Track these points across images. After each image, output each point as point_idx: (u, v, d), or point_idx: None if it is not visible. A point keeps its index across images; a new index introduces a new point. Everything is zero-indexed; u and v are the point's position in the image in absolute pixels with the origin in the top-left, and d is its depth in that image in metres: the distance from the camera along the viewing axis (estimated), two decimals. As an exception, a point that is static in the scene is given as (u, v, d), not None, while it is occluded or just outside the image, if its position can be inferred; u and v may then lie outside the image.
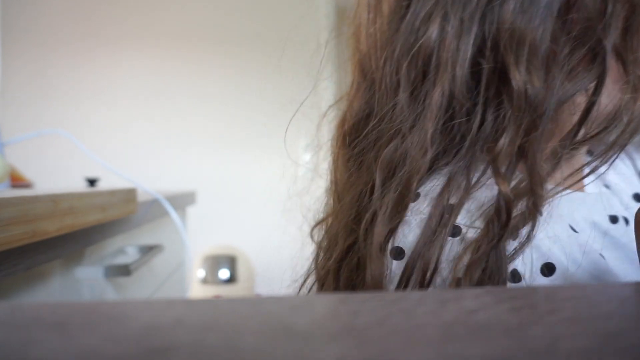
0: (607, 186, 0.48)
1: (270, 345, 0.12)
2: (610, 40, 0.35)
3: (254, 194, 2.47)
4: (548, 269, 0.33)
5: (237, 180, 2.52)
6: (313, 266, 0.43)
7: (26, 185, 0.96)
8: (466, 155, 0.36)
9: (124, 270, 0.66)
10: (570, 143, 0.36)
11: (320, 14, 2.44)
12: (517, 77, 0.34)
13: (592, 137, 0.37)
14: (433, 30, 0.37)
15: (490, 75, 0.36)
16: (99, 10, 2.52)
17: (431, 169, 0.37)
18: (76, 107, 2.51)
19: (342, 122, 0.44)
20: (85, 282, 0.66)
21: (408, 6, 0.39)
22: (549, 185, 0.35)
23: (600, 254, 0.37)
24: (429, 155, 0.36)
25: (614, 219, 0.41)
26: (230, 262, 2.34)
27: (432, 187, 0.36)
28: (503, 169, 0.35)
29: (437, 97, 0.36)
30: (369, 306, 0.16)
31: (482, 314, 0.14)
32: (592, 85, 0.36)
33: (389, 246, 0.35)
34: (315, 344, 0.12)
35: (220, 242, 2.43)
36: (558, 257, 0.34)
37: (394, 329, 0.13)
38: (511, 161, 0.35)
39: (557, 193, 0.35)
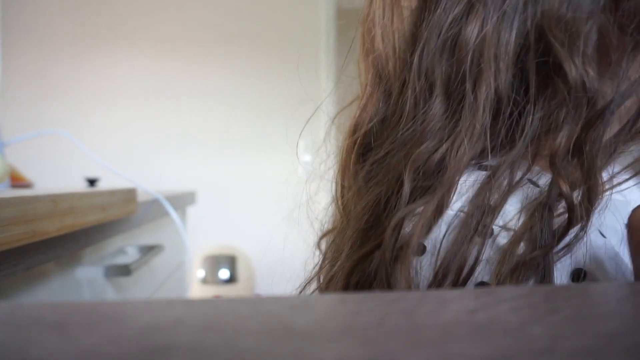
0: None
1: (270, 345, 0.12)
2: None
3: (254, 194, 2.47)
4: (578, 274, 0.32)
5: (237, 180, 2.52)
6: (313, 273, 0.42)
7: (26, 185, 0.96)
8: (510, 152, 0.34)
9: (124, 270, 0.66)
10: (629, 136, 0.34)
11: (320, 14, 2.44)
12: (573, 69, 0.32)
13: None
14: (472, 25, 0.35)
15: (539, 69, 0.34)
16: (99, 11, 2.52)
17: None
18: (76, 107, 2.51)
19: (354, 128, 0.41)
20: (85, 282, 0.66)
21: (437, 1, 0.36)
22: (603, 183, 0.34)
23: (627, 263, 0.35)
24: (474, 157, 0.34)
25: None
26: (230, 262, 2.34)
27: (463, 184, 0.34)
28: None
29: (482, 95, 0.34)
30: (368, 306, 0.16)
31: (482, 314, 0.14)
32: None
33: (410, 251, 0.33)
34: (315, 344, 0.12)
35: (220, 242, 2.43)
36: (588, 263, 0.32)
37: (394, 329, 0.13)
38: (566, 159, 0.33)
39: (610, 190, 0.33)
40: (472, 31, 0.35)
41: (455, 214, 0.33)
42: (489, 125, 0.34)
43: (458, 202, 0.33)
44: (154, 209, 0.90)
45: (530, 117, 0.34)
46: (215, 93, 2.55)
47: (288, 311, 0.15)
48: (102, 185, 1.20)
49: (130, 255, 0.84)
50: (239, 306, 0.16)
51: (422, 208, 0.33)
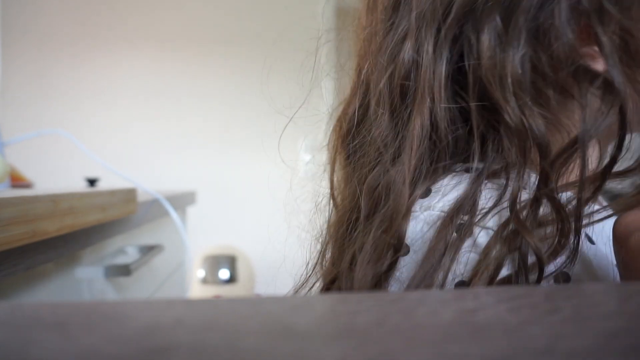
0: None
1: (270, 345, 0.12)
2: (615, 69, 0.32)
3: (254, 194, 2.47)
4: (564, 278, 0.32)
5: (237, 180, 2.52)
6: (315, 269, 0.42)
7: (26, 185, 0.96)
8: (482, 161, 0.34)
9: (124, 270, 0.66)
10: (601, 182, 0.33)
11: (320, 14, 2.44)
12: (509, 111, 0.32)
13: (628, 171, 0.34)
14: (407, 51, 0.35)
15: (479, 112, 0.34)
16: (99, 11, 2.52)
17: (441, 167, 0.35)
18: (76, 107, 2.51)
19: (339, 125, 0.42)
20: (85, 282, 0.66)
21: (391, 17, 0.37)
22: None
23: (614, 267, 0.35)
24: (415, 193, 0.33)
25: None
26: (230, 262, 2.34)
27: (447, 185, 0.34)
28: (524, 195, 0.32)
29: (417, 129, 0.34)
30: (368, 306, 0.16)
31: (482, 314, 0.14)
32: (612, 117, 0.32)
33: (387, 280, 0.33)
34: (315, 344, 0.12)
35: (220, 242, 2.43)
36: (577, 269, 0.32)
37: (394, 329, 0.13)
38: (532, 208, 0.31)
39: (589, 224, 0.32)
40: (407, 56, 0.35)
41: (438, 214, 0.33)
42: (426, 155, 0.34)
43: (440, 203, 0.33)
44: (154, 209, 0.91)
45: (482, 149, 0.34)
46: (216, 93, 2.55)
47: (288, 311, 0.15)
48: (102, 185, 1.20)
49: (130, 255, 0.84)
50: (239, 306, 0.16)
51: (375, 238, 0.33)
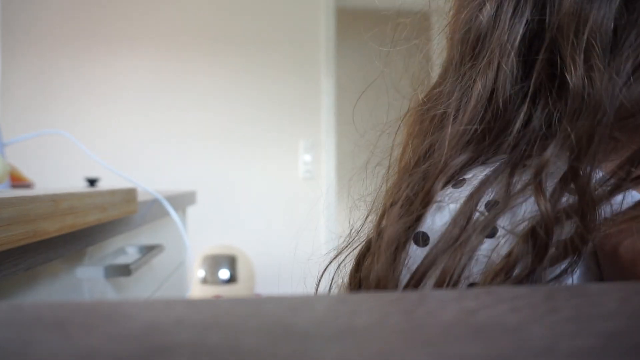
0: None
1: (270, 345, 0.12)
2: None
3: (254, 194, 2.47)
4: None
5: (237, 180, 2.52)
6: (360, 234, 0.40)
7: (26, 185, 0.96)
8: (512, 152, 0.32)
9: (124, 270, 0.66)
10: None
11: (320, 14, 2.44)
12: (574, 72, 0.29)
13: None
14: (486, 11, 0.34)
15: (543, 68, 0.32)
16: (99, 11, 2.52)
17: (481, 155, 0.33)
18: (76, 107, 2.51)
19: (420, 97, 0.40)
20: (85, 282, 0.66)
21: None
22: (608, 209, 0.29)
23: None
24: (463, 156, 0.32)
25: None
26: (230, 262, 2.34)
27: (475, 178, 0.32)
28: (549, 183, 0.29)
29: (478, 87, 0.33)
30: (368, 306, 0.16)
31: (482, 314, 0.14)
32: None
33: (405, 245, 0.31)
34: (315, 344, 0.12)
35: (220, 242, 2.43)
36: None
37: (394, 329, 0.13)
38: (560, 181, 0.29)
39: (617, 224, 0.28)
40: (484, 17, 0.34)
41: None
42: (480, 119, 0.33)
43: (462, 194, 0.31)
44: (154, 209, 0.90)
45: (528, 118, 0.32)
46: (216, 93, 2.55)
47: (288, 311, 0.15)
48: (102, 185, 1.20)
49: (131, 255, 0.84)
50: (239, 306, 0.16)
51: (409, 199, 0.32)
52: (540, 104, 0.32)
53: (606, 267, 0.28)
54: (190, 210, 1.53)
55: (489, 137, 0.33)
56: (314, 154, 2.35)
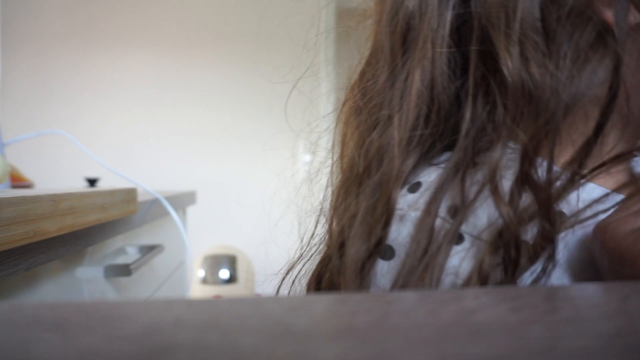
0: None
1: (270, 345, 0.12)
2: (622, 13, 0.27)
3: (254, 194, 2.47)
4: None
5: (237, 180, 2.52)
6: (310, 245, 0.38)
7: (26, 185, 0.96)
8: (460, 152, 0.29)
9: (124, 270, 0.66)
10: (608, 159, 0.28)
11: (321, 14, 2.43)
12: (511, 66, 0.27)
13: (627, 154, 0.29)
14: (410, 2, 0.32)
15: (479, 60, 0.30)
16: (99, 10, 2.52)
17: (434, 152, 0.31)
18: (76, 107, 2.51)
19: (352, 88, 0.38)
20: (85, 282, 0.66)
21: None
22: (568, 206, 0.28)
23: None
24: (411, 159, 0.30)
25: None
26: (230, 262, 2.34)
27: (428, 181, 0.30)
28: (505, 183, 0.27)
29: (417, 81, 0.30)
30: (368, 306, 0.16)
31: (482, 314, 0.14)
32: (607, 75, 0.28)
33: (371, 260, 0.29)
34: (315, 344, 0.12)
35: (220, 242, 2.43)
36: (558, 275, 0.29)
37: (393, 329, 0.13)
38: (515, 184, 0.27)
39: (579, 222, 0.28)
40: (411, 4, 0.32)
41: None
42: (424, 110, 0.31)
43: (424, 197, 0.29)
44: (154, 209, 0.90)
45: (472, 115, 0.29)
46: (216, 92, 2.55)
47: (288, 311, 0.15)
48: (102, 185, 1.20)
49: (131, 255, 0.84)
50: (239, 306, 0.16)
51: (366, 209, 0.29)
52: (480, 100, 0.30)
53: (604, 259, 0.27)
54: (190, 210, 1.53)
55: (435, 137, 0.31)
56: (314, 154, 2.33)
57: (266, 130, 2.54)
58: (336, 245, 0.30)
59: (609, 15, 0.29)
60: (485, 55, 0.30)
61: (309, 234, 0.39)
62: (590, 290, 0.18)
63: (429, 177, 0.31)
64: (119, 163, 2.16)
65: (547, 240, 0.27)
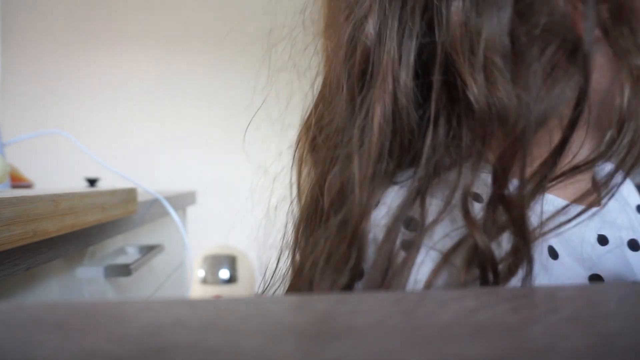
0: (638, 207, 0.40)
1: (270, 345, 0.12)
2: (590, 32, 0.27)
3: (254, 194, 2.47)
4: None
5: (238, 180, 2.52)
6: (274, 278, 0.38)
7: (26, 185, 0.96)
8: (422, 173, 0.29)
9: (124, 270, 0.66)
10: (562, 172, 0.29)
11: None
12: (476, 92, 0.27)
13: (593, 161, 0.29)
14: (370, 28, 0.31)
15: (442, 89, 0.29)
16: (99, 11, 2.52)
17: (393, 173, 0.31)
18: (76, 107, 2.51)
19: (307, 125, 0.37)
20: (85, 282, 0.66)
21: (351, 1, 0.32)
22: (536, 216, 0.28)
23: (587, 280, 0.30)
24: (377, 194, 0.29)
25: (602, 240, 0.34)
26: (230, 262, 2.34)
27: (392, 197, 0.30)
28: (475, 207, 0.27)
29: (378, 116, 0.29)
30: (368, 306, 0.16)
31: (482, 314, 0.14)
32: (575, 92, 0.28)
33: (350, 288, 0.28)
34: (315, 344, 0.12)
35: (220, 242, 2.43)
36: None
37: (394, 329, 0.13)
38: (488, 205, 0.27)
39: (543, 234, 0.28)
40: (369, 34, 0.31)
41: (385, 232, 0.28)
42: (386, 145, 0.30)
43: (385, 218, 0.29)
44: (154, 209, 0.90)
45: (429, 141, 0.29)
46: (217, 92, 2.55)
47: (288, 311, 0.15)
48: (102, 185, 1.20)
49: (130, 255, 0.84)
50: (239, 306, 0.16)
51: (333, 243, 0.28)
52: (442, 126, 0.29)
53: None
54: (190, 210, 1.53)
55: (400, 165, 0.31)
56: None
57: (267, 131, 2.54)
58: (306, 283, 0.30)
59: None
60: (449, 83, 0.29)
61: (271, 269, 0.38)
62: (591, 290, 0.18)
63: (388, 197, 0.30)
64: (119, 163, 2.16)
65: (522, 257, 0.26)
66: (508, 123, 0.26)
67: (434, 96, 0.29)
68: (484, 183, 0.28)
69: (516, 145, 0.26)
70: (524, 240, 0.26)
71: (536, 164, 0.28)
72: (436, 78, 0.29)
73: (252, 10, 2.52)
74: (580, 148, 0.30)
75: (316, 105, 0.36)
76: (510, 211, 0.27)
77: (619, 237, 0.34)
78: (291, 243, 0.36)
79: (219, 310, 0.15)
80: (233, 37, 2.53)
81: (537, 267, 0.28)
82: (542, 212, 0.28)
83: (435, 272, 0.26)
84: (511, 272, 0.26)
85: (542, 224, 0.28)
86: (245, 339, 0.12)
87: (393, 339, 0.12)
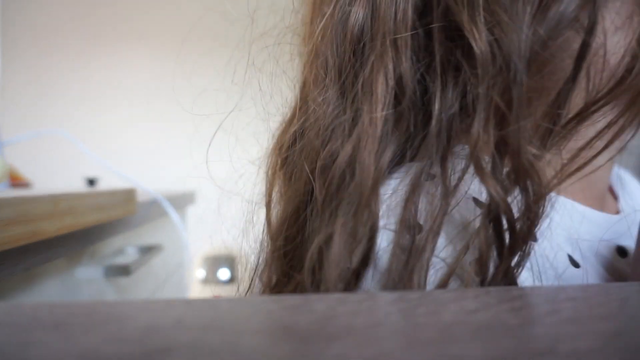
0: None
1: (270, 345, 0.12)
2: None
3: (255, 194, 2.46)
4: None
5: (238, 180, 2.52)
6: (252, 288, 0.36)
7: (26, 185, 0.96)
8: (434, 148, 0.27)
9: (124, 270, 0.66)
10: (568, 114, 0.26)
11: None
12: (478, 38, 0.25)
13: (601, 99, 0.27)
14: (361, 4, 0.29)
15: (442, 39, 0.27)
16: (99, 10, 2.52)
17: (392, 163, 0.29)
18: (76, 107, 2.51)
19: (283, 133, 0.35)
20: (85, 282, 0.66)
21: None
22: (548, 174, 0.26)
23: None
24: (386, 157, 0.27)
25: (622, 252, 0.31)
26: (230, 262, 2.34)
27: (394, 194, 0.27)
28: (488, 165, 0.25)
29: (381, 80, 0.27)
30: (368, 306, 0.16)
31: (482, 314, 0.14)
32: (584, 22, 0.25)
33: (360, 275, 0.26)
34: (315, 344, 0.12)
35: (220, 242, 2.43)
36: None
37: (394, 329, 0.13)
38: (495, 153, 0.25)
39: (559, 183, 0.26)
40: (360, 11, 0.29)
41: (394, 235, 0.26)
42: (393, 116, 0.28)
43: (392, 218, 0.26)
44: (154, 209, 0.90)
45: (441, 100, 0.27)
46: (217, 92, 2.55)
47: (288, 311, 0.15)
48: (102, 185, 1.20)
49: (130, 255, 0.84)
50: (239, 306, 0.16)
51: (338, 231, 0.25)
52: (450, 83, 0.27)
53: None
54: (190, 210, 1.53)
55: (409, 132, 0.29)
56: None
57: (267, 131, 2.54)
58: (308, 274, 0.27)
59: None
60: (450, 34, 0.27)
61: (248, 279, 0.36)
62: (591, 291, 0.18)
63: (390, 185, 0.28)
64: (119, 163, 2.16)
65: (538, 211, 0.25)
66: (507, 63, 0.24)
67: (437, 47, 0.27)
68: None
69: (513, 86, 0.24)
70: (535, 193, 0.25)
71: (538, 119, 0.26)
72: (437, 27, 0.27)
73: (255, 11, 2.52)
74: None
75: (295, 109, 0.35)
76: (515, 162, 0.25)
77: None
78: (269, 243, 0.34)
79: (219, 310, 0.15)
80: (234, 37, 2.53)
81: (553, 278, 0.27)
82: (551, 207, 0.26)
83: (463, 251, 0.25)
84: (530, 230, 0.25)
85: (557, 174, 0.26)
86: (245, 339, 0.12)
87: (393, 339, 0.12)
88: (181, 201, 1.22)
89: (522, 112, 0.24)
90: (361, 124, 0.27)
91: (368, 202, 0.25)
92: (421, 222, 0.26)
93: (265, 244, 0.35)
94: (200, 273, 2.32)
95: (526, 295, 0.17)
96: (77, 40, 2.51)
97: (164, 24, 2.54)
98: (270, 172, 0.37)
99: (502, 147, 0.25)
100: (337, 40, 0.30)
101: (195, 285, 2.30)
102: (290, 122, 0.35)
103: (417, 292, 0.21)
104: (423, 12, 0.29)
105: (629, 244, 0.32)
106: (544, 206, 0.25)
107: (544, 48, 0.25)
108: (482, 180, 0.25)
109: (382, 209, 0.27)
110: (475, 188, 0.27)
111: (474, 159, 0.25)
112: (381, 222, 0.26)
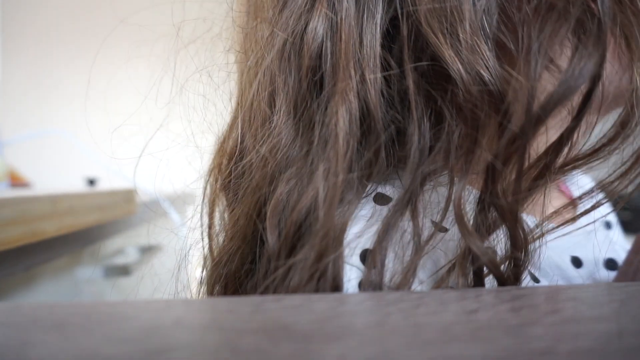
0: (608, 224, 0.38)
1: (270, 345, 0.12)
2: (607, 7, 0.22)
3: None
4: None
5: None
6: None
7: (26, 185, 0.96)
8: (409, 187, 0.24)
9: (124, 270, 0.66)
10: (562, 165, 0.24)
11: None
12: (457, 63, 0.23)
13: (594, 153, 0.25)
14: (318, 19, 0.25)
15: (418, 76, 0.24)
16: (99, 10, 2.52)
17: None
18: (76, 107, 2.51)
19: (220, 153, 0.32)
20: (85, 282, 0.66)
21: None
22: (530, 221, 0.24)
23: None
24: (352, 208, 0.24)
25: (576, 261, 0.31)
26: (230, 262, 2.34)
27: (361, 232, 0.24)
28: (468, 216, 0.23)
29: (342, 119, 0.23)
30: (368, 306, 0.16)
31: (482, 314, 0.14)
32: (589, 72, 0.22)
33: None
34: (315, 344, 0.12)
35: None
36: None
37: (394, 329, 0.13)
38: (480, 205, 0.23)
39: (544, 234, 0.24)
40: (318, 27, 0.25)
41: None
42: (353, 157, 0.24)
43: (364, 235, 0.24)
44: (154, 209, 0.90)
45: (416, 137, 0.24)
46: (217, 92, 2.55)
47: (288, 311, 0.15)
48: (102, 185, 1.20)
49: (130, 255, 0.84)
50: (239, 306, 0.16)
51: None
52: (426, 120, 0.24)
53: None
54: (191, 210, 1.53)
55: (369, 177, 0.25)
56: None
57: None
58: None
59: None
60: (427, 68, 0.24)
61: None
62: (591, 291, 0.18)
63: (365, 210, 0.25)
64: (118, 163, 2.15)
65: (523, 258, 0.23)
66: (504, 102, 0.22)
67: (410, 84, 0.24)
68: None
69: (518, 135, 0.21)
70: (518, 241, 0.23)
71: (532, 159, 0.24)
72: (408, 59, 0.24)
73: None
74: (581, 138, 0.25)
75: (233, 129, 0.31)
76: (503, 212, 0.23)
77: (592, 257, 0.31)
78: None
79: (219, 310, 0.15)
80: (233, 37, 2.53)
81: (558, 277, 0.26)
82: (544, 207, 0.24)
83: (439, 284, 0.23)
84: (516, 276, 0.23)
85: (542, 220, 0.25)
86: (245, 339, 0.12)
87: (393, 339, 0.12)
88: (181, 201, 1.22)
89: (523, 154, 0.22)
90: (323, 172, 0.23)
91: (334, 250, 0.22)
92: (390, 265, 0.23)
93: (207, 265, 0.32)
94: (200, 273, 2.32)
95: (526, 295, 0.17)
96: (77, 40, 2.51)
97: (165, 23, 2.54)
98: (210, 193, 0.33)
99: (489, 199, 0.23)
100: (289, 65, 0.26)
101: (195, 285, 2.30)
102: (227, 137, 0.32)
103: (417, 292, 0.21)
104: (395, 39, 0.25)
105: (584, 254, 0.31)
106: (529, 254, 0.23)
107: (558, 99, 0.22)
108: (463, 235, 0.23)
109: (349, 247, 0.24)
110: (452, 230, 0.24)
111: (456, 216, 0.23)
112: (347, 259, 0.23)
